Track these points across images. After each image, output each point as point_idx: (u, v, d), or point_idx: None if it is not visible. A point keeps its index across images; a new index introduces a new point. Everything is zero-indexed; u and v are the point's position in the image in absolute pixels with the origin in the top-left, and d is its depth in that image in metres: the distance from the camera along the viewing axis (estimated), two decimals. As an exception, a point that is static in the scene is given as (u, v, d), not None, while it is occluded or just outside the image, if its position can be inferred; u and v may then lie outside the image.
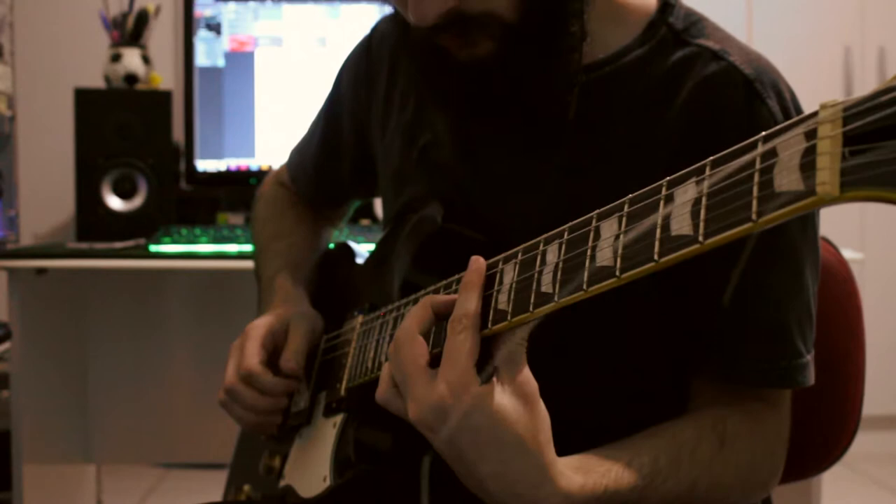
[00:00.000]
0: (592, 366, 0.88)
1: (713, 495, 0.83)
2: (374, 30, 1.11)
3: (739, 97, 0.84)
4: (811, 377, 0.86)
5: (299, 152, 1.24)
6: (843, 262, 1.14)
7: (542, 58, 0.83)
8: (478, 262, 0.72)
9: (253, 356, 0.98)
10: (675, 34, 0.89)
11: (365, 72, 1.09)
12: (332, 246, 1.23)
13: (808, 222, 0.86)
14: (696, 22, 0.90)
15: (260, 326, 1.01)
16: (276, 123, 2.15)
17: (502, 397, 0.68)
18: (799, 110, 0.87)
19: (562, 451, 0.73)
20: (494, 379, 0.69)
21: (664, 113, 0.85)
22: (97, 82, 2.17)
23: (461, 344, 0.68)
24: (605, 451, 0.78)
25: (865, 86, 3.32)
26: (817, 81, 3.23)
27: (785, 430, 0.88)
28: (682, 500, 0.81)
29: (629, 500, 0.76)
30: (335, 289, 1.11)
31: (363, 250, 1.16)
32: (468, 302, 0.70)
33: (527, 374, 0.70)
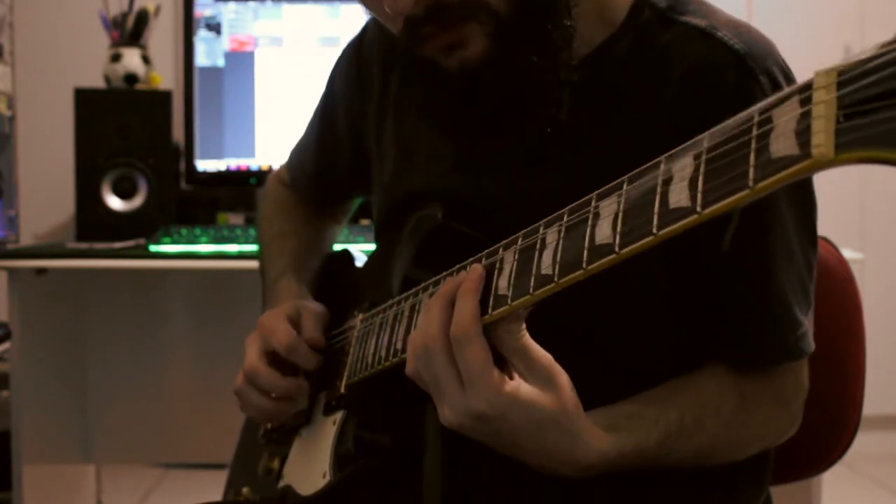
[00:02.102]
0: (606, 345, 0.88)
1: (733, 450, 0.86)
2: (365, 30, 1.10)
3: (731, 76, 0.82)
4: (812, 343, 0.88)
5: (297, 153, 1.24)
6: (843, 262, 1.14)
7: (538, 56, 0.81)
8: (475, 271, 0.73)
9: (286, 332, 0.97)
10: (658, 14, 0.86)
11: (357, 73, 1.09)
12: (333, 252, 1.23)
13: (795, 190, 0.85)
14: None
15: (274, 314, 1.01)
16: (276, 123, 2.15)
17: (529, 388, 0.72)
18: (790, 79, 0.84)
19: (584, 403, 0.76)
20: (516, 374, 0.72)
21: (657, 100, 0.84)
22: (97, 82, 2.16)
23: (473, 357, 0.71)
24: (634, 407, 0.81)
25: (865, 86, 3.31)
26: (817, 81, 3.22)
27: (803, 381, 0.89)
28: (704, 455, 0.84)
29: (656, 455, 0.79)
30: (336, 294, 1.11)
31: (364, 256, 1.16)
32: (465, 313, 0.71)
33: (539, 354, 0.72)
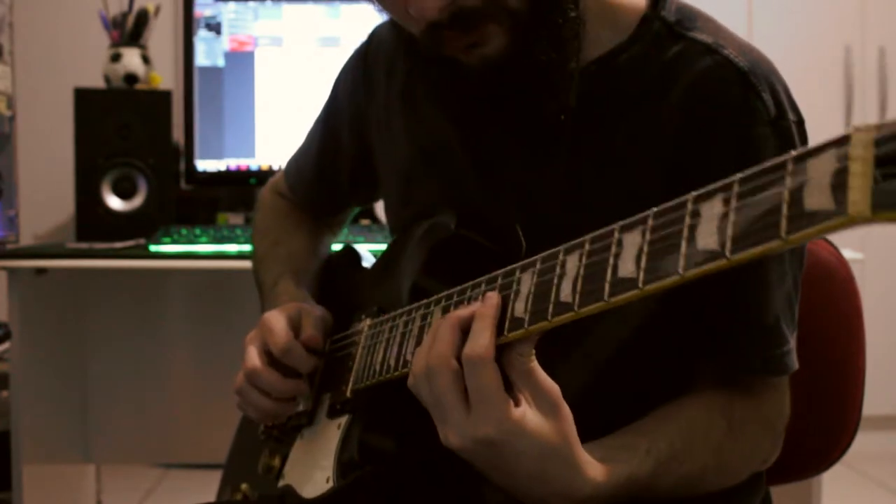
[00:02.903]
0: (601, 358, 0.89)
1: (721, 475, 0.87)
2: (372, 36, 1.11)
3: (735, 91, 0.85)
4: (796, 362, 0.89)
5: (297, 161, 1.24)
6: (843, 262, 1.14)
7: (553, 47, 0.83)
8: (493, 298, 0.73)
9: (282, 334, 0.97)
10: (668, 27, 0.89)
11: (363, 78, 1.09)
12: (336, 249, 1.23)
13: None
14: (688, 14, 0.91)
15: (275, 314, 1.00)
16: (276, 123, 2.15)
17: (535, 415, 0.72)
18: (791, 102, 0.88)
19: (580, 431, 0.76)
20: (522, 399, 0.73)
21: (661, 110, 0.86)
22: (97, 82, 2.16)
23: (485, 380, 0.71)
24: (626, 438, 0.82)
25: (865, 86, 3.32)
26: (817, 81, 3.23)
27: (786, 406, 0.91)
28: (694, 483, 0.84)
29: (648, 485, 0.80)
30: (340, 292, 1.11)
31: (368, 254, 1.15)
32: (482, 337, 0.72)
33: (546, 382, 0.73)
